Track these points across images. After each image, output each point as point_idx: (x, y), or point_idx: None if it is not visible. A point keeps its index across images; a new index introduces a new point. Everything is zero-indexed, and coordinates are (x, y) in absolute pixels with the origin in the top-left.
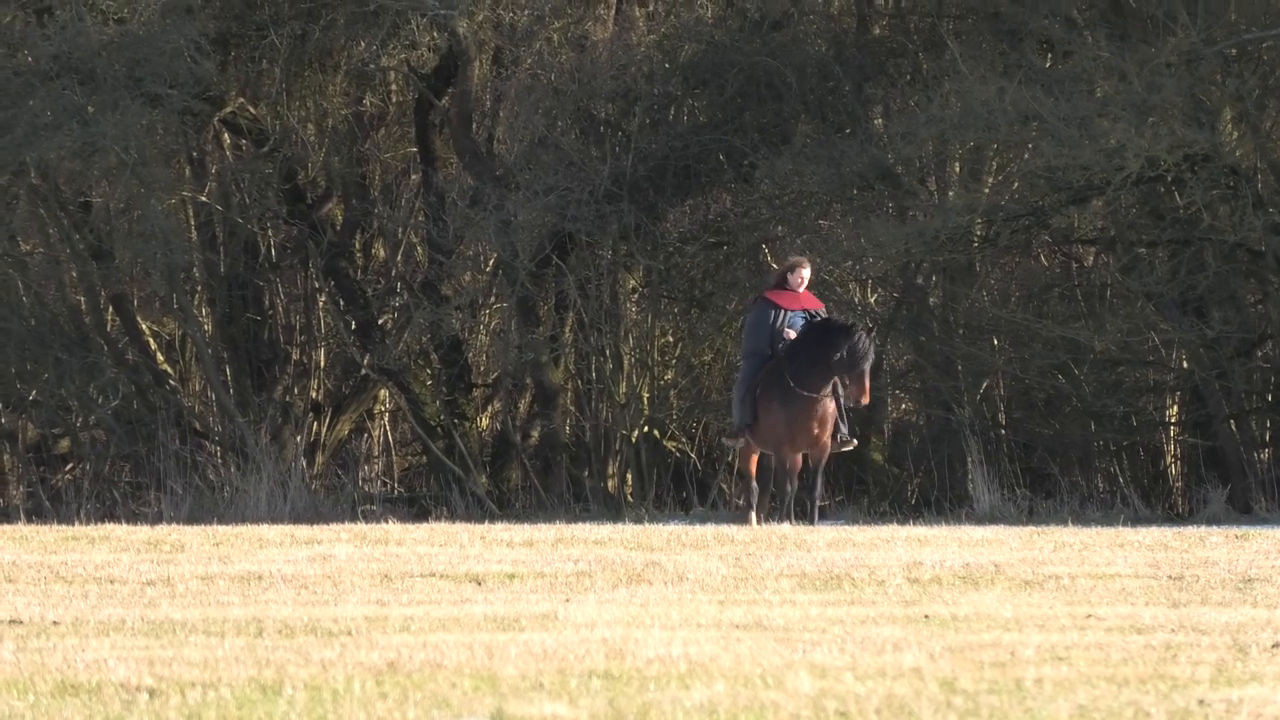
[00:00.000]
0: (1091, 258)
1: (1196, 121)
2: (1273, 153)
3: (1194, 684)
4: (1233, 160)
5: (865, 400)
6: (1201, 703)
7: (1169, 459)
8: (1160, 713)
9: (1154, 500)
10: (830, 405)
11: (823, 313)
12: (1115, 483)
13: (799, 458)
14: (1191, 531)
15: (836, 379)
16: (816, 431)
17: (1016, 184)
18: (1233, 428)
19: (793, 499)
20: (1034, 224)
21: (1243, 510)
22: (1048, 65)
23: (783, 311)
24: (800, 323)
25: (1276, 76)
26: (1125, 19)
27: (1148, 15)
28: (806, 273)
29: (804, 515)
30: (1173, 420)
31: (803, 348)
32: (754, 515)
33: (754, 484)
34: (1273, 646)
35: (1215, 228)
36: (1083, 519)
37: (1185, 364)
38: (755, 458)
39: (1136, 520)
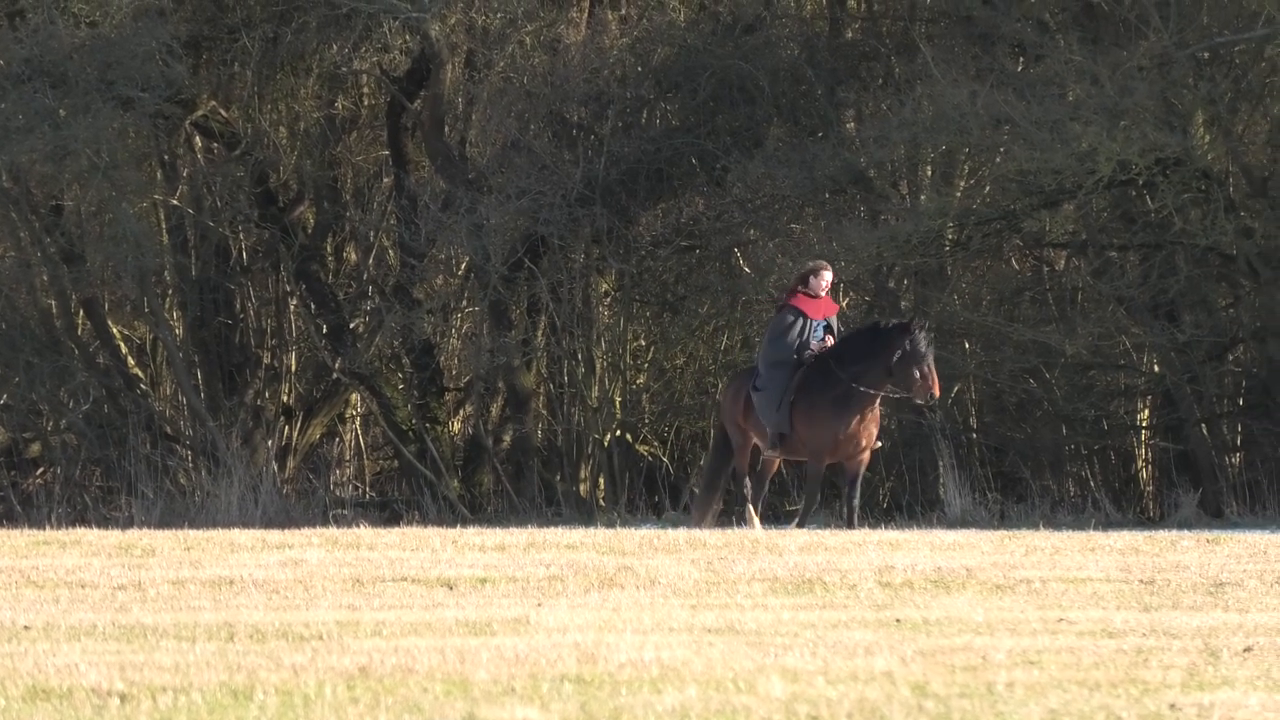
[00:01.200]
0: (1063, 261)
1: (1168, 125)
2: (1244, 156)
3: (1165, 688)
4: (1204, 164)
5: (937, 393)
6: (1173, 707)
7: (1140, 463)
8: (1132, 717)
9: (1125, 504)
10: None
11: (835, 319)
12: (1086, 487)
13: (777, 461)
14: (1163, 535)
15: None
16: (872, 431)
17: (988, 188)
18: (1204, 432)
19: (757, 501)
20: (1005, 228)
21: (1214, 514)
22: (1020, 69)
23: (809, 321)
24: (821, 333)
25: (1248, 80)
26: (1097, 22)
27: (1120, 19)
28: (829, 276)
29: (849, 520)
30: (1144, 424)
31: (854, 350)
32: (751, 509)
33: (747, 481)
34: (1244, 650)
35: (1187, 231)
36: (1054, 523)
37: (1156, 368)
38: (748, 456)
39: (1108, 524)
